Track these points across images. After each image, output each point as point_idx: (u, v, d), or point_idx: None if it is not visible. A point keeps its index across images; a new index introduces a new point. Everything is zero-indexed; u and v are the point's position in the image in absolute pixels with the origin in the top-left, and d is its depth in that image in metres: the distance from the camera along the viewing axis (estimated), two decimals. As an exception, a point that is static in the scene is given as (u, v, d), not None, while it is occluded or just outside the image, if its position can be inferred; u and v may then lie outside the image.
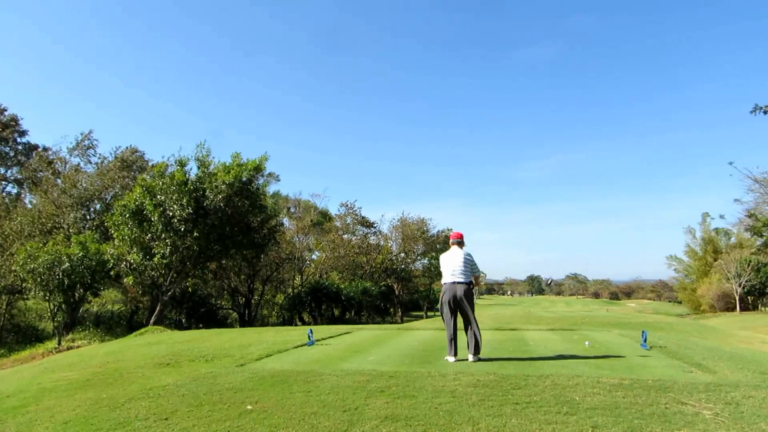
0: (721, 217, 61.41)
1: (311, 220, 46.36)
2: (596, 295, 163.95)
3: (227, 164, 21.88)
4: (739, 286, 54.62)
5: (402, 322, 40.45)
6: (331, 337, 10.66)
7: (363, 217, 47.74)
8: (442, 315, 7.26)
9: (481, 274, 7.55)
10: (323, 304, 36.57)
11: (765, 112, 19.95)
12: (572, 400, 4.66)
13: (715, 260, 59.33)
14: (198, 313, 32.74)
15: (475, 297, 7.39)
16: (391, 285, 45.76)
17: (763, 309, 60.31)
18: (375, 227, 48.40)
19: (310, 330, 10.06)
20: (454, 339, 7.09)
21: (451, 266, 7.13)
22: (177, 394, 5.35)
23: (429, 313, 60.41)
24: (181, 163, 21.64)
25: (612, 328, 14.85)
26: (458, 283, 7.05)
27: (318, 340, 9.89)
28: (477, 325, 7.07)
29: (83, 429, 4.29)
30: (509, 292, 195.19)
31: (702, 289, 60.58)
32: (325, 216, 52.76)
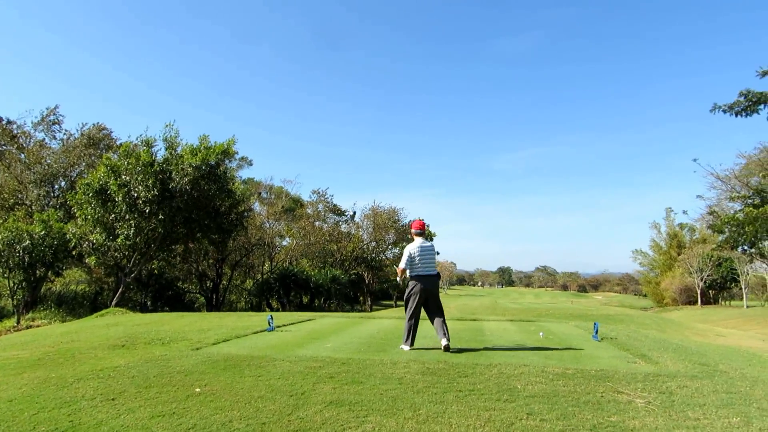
0: (684, 212, 63.20)
1: (282, 206, 46.05)
2: (565, 288, 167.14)
3: (194, 146, 21.55)
4: (701, 280, 56.27)
5: (371, 310, 40.68)
6: (292, 323, 10.72)
7: (335, 205, 47.72)
8: (408, 305, 7.22)
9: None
10: (292, 291, 36.47)
11: (724, 111, 20.60)
12: (514, 388, 4.81)
13: (679, 255, 60.92)
14: (164, 296, 32.42)
15: None
16: (362, 273, 45.90)
17: (723, 303, 62.39)
18: (346, 215, 48.43)
19: (270, 316, 10.10)
20: (414, 329, 7.17)
21: (424, 258, 7.10)
22: (127, 376, 5.34)
23: (399, 303, 60.81)
24: (148, 144, 21.21)
25: (572, 320, 15.22)
26: (432, 275, 7.14)
27: (279, 327, 9.94)
28: None
29: (27, 407, 4.26)
30: (480, 283, 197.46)
31: (665, 283, 62.29)
32: (297, 202, 52.47)
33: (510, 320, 12.83)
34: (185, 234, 22.47)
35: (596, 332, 8.78)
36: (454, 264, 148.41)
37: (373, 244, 46.38)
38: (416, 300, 7.09)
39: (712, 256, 54.91)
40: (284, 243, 45.80)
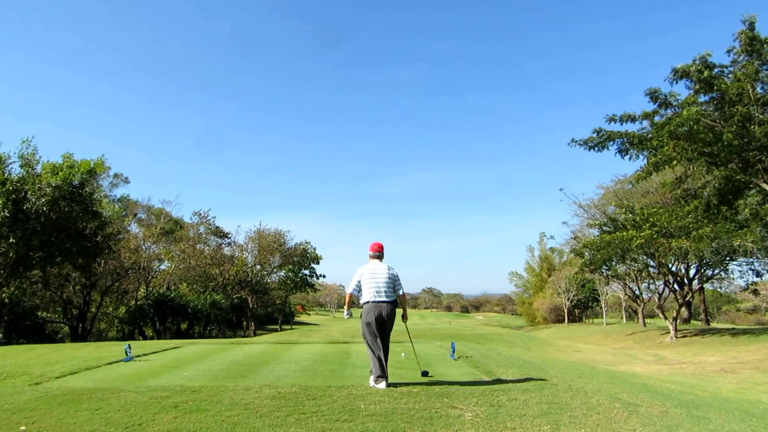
0: (552, 237, 68.61)
1: (161, 228, 43.81)
2: (449, 308, 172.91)
3: (57, 164, 20.02)
4: (568, 300, 60.81)
5: (255, 335, 39.64)
6: (154, 352, 10.30)
7: (217, 227, 46.24)
8: (365, 338, 6.46)
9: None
10: (169, 318, 34.62)
11: (580, 145, 22.79)
12: (357, 408, 5.00)
13: (549, 276, 65.56)
14: (20, 327, 29.38)
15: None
16: (245, 297, 44.68)
17: (586, 321, 67.88)
18: (230, 238, 47.13)
19: (128, 345, 9.61)
20: (381, 361, 6.30)
21: (374, 283, 6.41)
22: (-57, 417, 4.88)
23: (284, 326, 59.81)
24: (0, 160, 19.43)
25: (441, 340, 15.86)
26: (384, 302, 6.37)
27: (139, 356, 9.52)
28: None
29: None
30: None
31: (537, 303, 66.69)
32: (177, 224, 50.21)
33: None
34: (43, 258, 20.67)
35: (453, 351, 9.30)
36: (343, 287, 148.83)
37: (258, 267, 45.51)
38: (368, 330, 6.36)
39: (576, 278, 59.71)
40: (163, 267, 43.48)
